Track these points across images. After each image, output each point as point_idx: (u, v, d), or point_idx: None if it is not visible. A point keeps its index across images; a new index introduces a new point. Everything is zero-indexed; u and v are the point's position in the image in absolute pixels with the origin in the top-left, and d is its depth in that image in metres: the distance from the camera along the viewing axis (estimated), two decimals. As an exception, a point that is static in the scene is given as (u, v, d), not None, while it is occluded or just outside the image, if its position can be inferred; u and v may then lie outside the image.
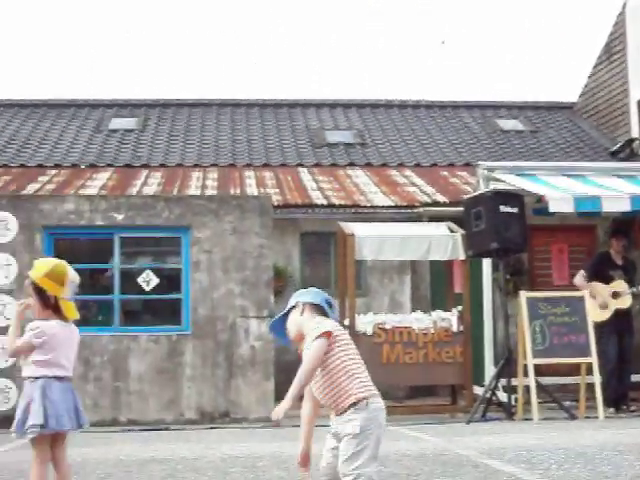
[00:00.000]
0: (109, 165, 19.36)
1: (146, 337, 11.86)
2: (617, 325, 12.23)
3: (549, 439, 8.69)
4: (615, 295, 12.25)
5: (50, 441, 5.08)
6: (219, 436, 9.96)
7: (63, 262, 5.26)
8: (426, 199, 16.12)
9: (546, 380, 12.06)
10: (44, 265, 5.13)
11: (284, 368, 14.35)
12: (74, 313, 5.15)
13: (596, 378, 11.32)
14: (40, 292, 5.07)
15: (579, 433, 9.34)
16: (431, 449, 8.02)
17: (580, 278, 12.37)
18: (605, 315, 12.16)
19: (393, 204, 15.85)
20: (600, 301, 12.18)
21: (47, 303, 5.06)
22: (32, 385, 4.98)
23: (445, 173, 18.98)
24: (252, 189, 16.90)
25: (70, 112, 22.98)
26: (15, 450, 8.10)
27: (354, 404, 4.36)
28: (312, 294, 4.73)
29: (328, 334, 4.43)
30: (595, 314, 11.93)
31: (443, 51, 50.59)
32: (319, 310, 4.64)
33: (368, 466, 4.26)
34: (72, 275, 5.13)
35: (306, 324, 4.59)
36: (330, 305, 4.70)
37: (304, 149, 20.83)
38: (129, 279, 12.33)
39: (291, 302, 4.75)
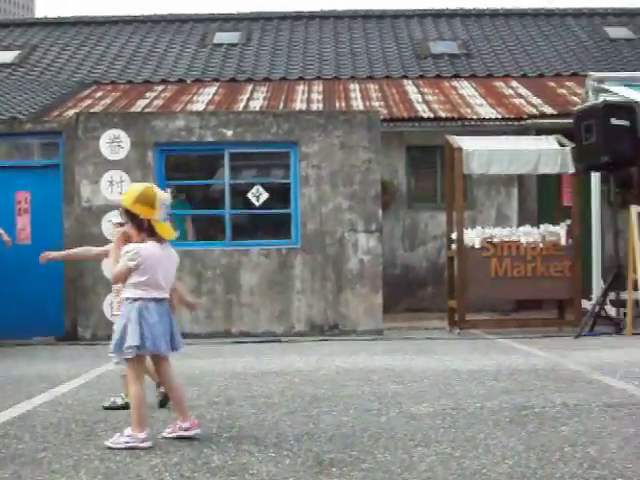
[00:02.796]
0: (215, 80, 19.52)
1: (257, 251, 12.09)
2: None
3: (661, 355, 8.69)
4: None
5: (151, 362, 5.24)
6: (330, 348, 10.17)
7: (152, 185, 5.33)
8: (533, 111, 15.91)
9: (656, 295, 11.97)
10: (134, 191, 5.16)
11: (391, 282, 14.54)
12: (170, 233, 5.16)
13: None
14: (133, 217, 5.13)
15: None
16: (542, 364, 8.10)
17: None
18: None
19: (500, 116, 15.68)
20: None
21: (141, 227, 5.10)
22: (130, 306, 5.06)
23: (552, 84, 18.66)
24: (357, 102, 16.89)
25: (174, 27, 23.15)
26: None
27: None
28: None
29: None
30: None
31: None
32: None
33: None
34: (162, 196, 5.15)
35: None
36: None
37: (408, 61, 20.68)
38: (239, 194, 12.53)
39: None
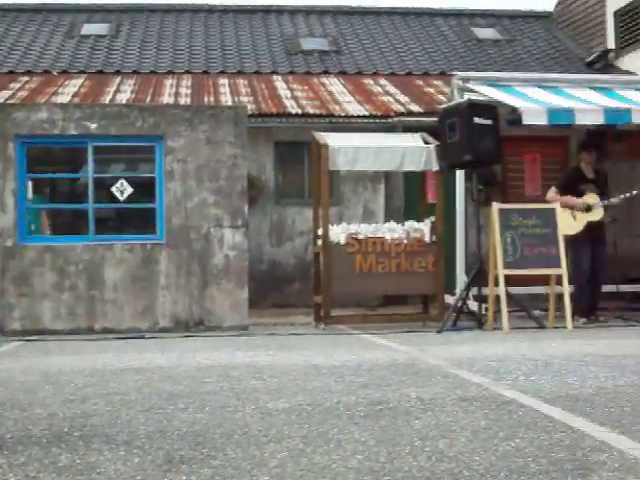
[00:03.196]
0: (81, 72, 19.18)
1: (120, 246, 11.91)
2: (590, 237, 12.36)
3: (518, 349, 8.86)
4: (587, 208, 12.36)
5: None
6: (194, 344, 10.08)
7: None
8: (400, 109, 16.12)
9: (517, 290, 12.24)
10: None
11: (258, 277, 14.53)
12: None
13: (565, 289, 11.49)
14: None
15: (547, 343, 9.53)
16: (402, 359, 8.17)
17: (552, 194, 12.46)
18: (577, 228, 12.29)
19: (367, 114, 15.85)
20: (572, 214, 12.30)
21: None
22: None
23: (420, 82, 18.94)
24: (226, 97, 16.83)
25: (41, 17, 22.70)
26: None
27: None
28: None
29: None
30: (567, 227, 12.05)
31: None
32: None
33: None
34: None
35: None
36: None
37: (278, 56, 20.71)
38: (104, 189, 12.33)
39: None
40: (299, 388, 6.45)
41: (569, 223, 12.15)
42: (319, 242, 12.13)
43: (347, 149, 12.10)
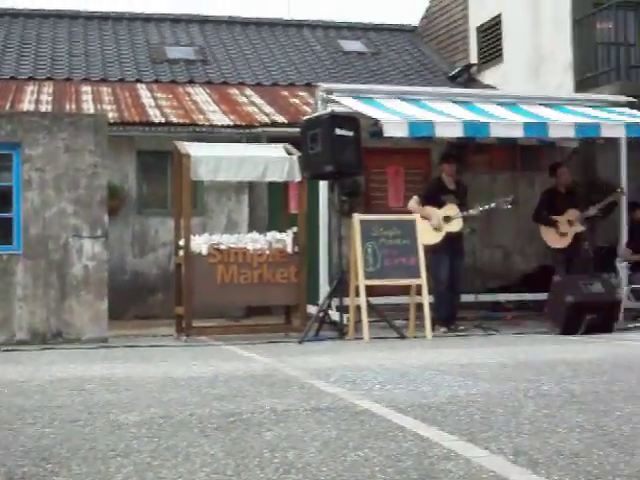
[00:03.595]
0: (-62, 77, 18.63)
1: (-25, 257, 11.58)
2: (448, 248, 12.60)
3: (376, 359, 8.93)
4: (447, 219, 12.59)
5: None
6: (50, 357, 9.85)
7: None
8: (265, 119, 16.13)
9: (380, 300, 12.37)
10: None
11: (120, 288, 14.31)
12: None
13: (425, 299, 11.66)
14: None
15: (406, 353, 9.64)
16: (260, 370, 8.15)
17: (413, 203, 12.66)
18: (436, 238, 12.50)
19: (232, 124, 15.80)
20: (433, 225, 12.51)
21: None
22: None
23: (286, 93, 19.00)
24: (88, 105, 16.56)
25: None
26: None
27: None
28: None
29: None
30: (427, 237, 12.25)
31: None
32: None
33: None
34: None
35: None
36: None
37: (143, 64, 20.50)
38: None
39: None
40: (154, 400, 6.36)
41: (429, 233, 12.35)
42: (181, 253, 12.02)
43: (209, 159, 12.02)
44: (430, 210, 12.50)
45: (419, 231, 11.93)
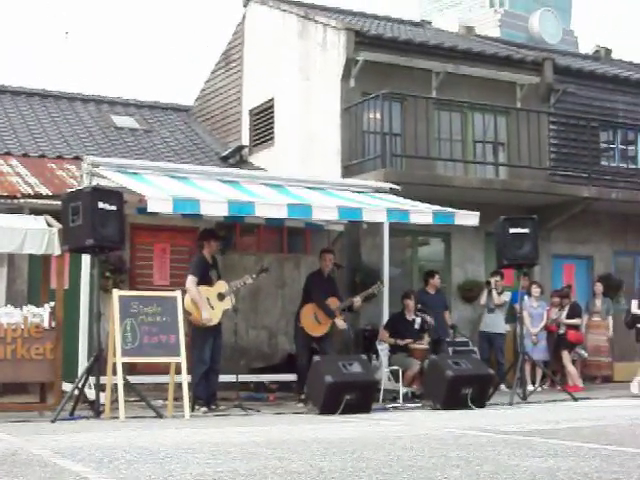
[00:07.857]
0: None
1: None
2: (214, 327, 12.55)
3: (129, 438, 8.71)
4: (220, 297, 12.60)
5: None
6: None
7: None
8: (29, 190, 15.70)
9: (142, 379, 12.15)
10: None
11: None
12: None
13: (184, 378, 11.51)
14: None
15: (161, 432, 9.45)
16: (3, 449, 7.76)
17: (191, 285, 12.49)
18: (217, 317, 12.47)
19: (-7, 193, 15.29)
20: (210, 304, 12.46)
21: None
22: None
23: (53, 165, 18.59)
24: None
25: None
26: None
27: None
28: None
29: None
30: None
31: (67, 43, 49.90)
32: None
33: None
34: None
35: None
36: None
37: None
38: None
39: None
40: None
41: (210, 312, 12.36)
42: None
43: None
44: (205, 291, 12.46)
45: (179, 309, 11.82)
